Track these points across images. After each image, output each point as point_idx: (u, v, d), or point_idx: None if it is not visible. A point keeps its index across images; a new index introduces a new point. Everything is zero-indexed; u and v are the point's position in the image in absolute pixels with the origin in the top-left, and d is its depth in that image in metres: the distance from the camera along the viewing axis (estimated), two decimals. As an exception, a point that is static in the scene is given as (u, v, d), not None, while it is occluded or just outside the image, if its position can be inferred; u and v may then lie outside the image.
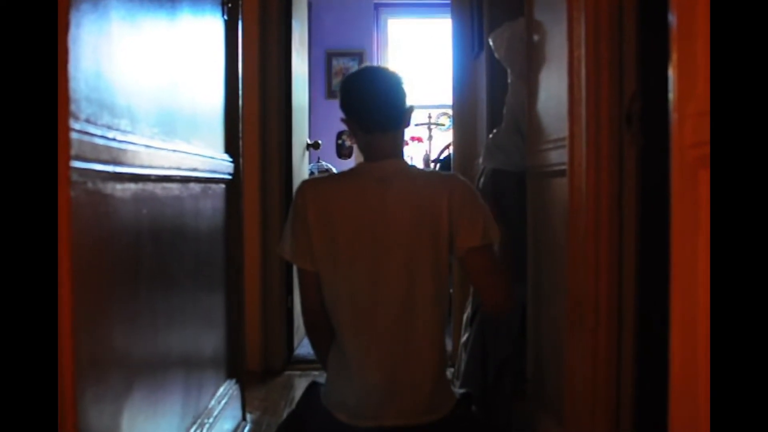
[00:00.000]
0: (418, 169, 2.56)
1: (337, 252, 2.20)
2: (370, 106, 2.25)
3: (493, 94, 3.76)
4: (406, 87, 2.28)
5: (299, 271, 2.32)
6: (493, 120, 3.61)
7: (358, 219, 2.20)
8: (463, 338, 3.39)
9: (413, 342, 2.18)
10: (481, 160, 3.44)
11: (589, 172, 2.20)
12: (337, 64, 7.54)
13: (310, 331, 2.41)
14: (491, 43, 3.37)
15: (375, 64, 2.29)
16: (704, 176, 1.14)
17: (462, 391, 2.43)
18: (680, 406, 1.23)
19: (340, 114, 2.31)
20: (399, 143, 2.31)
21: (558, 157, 2.44)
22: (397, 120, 2.27)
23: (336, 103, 2.33)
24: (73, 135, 1.36)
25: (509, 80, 3.30)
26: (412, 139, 7.23)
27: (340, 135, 5.81)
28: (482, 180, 3.28)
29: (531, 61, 2.85)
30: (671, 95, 1.23)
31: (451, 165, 4.72)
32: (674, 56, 1.23)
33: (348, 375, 2.20)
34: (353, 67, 2.29)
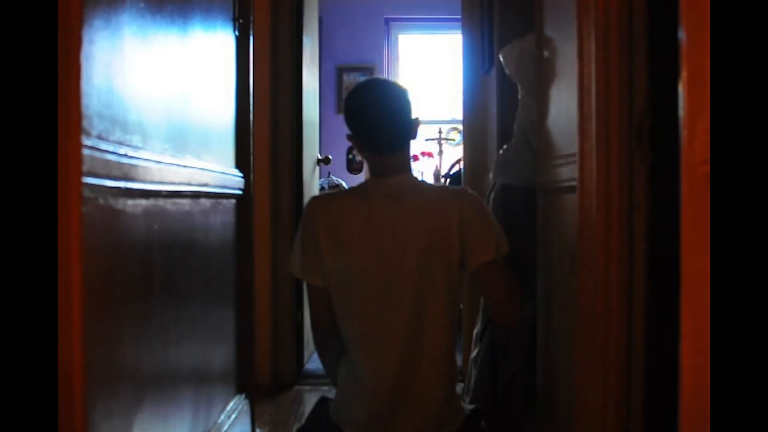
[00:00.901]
0: (428, 184, 2.56)
1: (347, 268, 2.20)
2: (377, 127, 2.24)
3: (503, 110, 3.77)
4: (412, 98, 2.28)
5: (309, 287, 2.32)
6: (504, 135, 3.61)
7: (368, 235, 2.20)
8: (473, 353, 3.39)
9: (423, 357, 2.18)
10: (491, 175, 3.44)
11: (599, 189, 2.19)
12: (348, 79, 7.56)
13: (320, 347, 2.42)
14: (501, 59, 3.38)
15: (378, 76, 2.28)
16: (715, 193, 1.14)
17: (472, 406, 2.43)
18: (690, 423, 1.23)
19: (347, 130, 2.31)
20: (407, 159, 2.32)
21: (568, 173, 2.44)
22: (404, 139, 2.27)
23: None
24: (85, 151, 1.37)
25: (519, 96, 3.31)
26: (423, 154, 7.24)
27: (350, 150, 5.82)
28: (492, 195, 3.28)
29: (541, 77, 2.85)
30: (681, 111, 1.23)
31: (462, 180, 4.72)
32: (684, 73, 1.23)
33: (357, 390, 2.20)
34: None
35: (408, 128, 2.27)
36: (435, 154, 7.26)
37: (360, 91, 2.32)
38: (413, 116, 2.28)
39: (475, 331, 3.43)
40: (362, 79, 2.52)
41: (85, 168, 1.36)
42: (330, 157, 5.64)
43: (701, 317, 1.15)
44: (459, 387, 3.30)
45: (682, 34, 1.24)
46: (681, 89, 1.24)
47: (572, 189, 2.37)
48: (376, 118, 2.24)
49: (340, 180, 6.41)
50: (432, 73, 7.92)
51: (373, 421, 2.17)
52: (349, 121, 2.28)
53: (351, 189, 2.46)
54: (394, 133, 2.25)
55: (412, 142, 2.32)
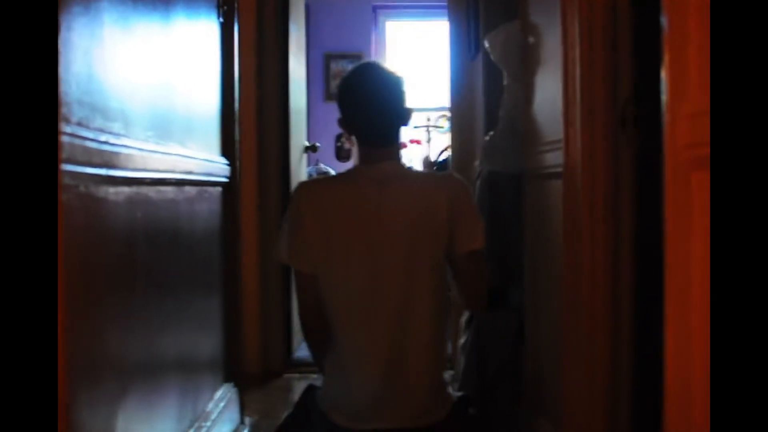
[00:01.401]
0: (415, 170, 2.54)
1: (334, 254, 2.19)
2: (369, 122, 2.22)
3: (489, 96, 3.75)
4: (406, 88, 2.26)
5: (296, 273, 2.31)
6: (490, 122, 3.60)
7: (355, 221, 2.19)
8: (461, 341, 3.39)
9: (411, 344, 2.17)
10: (478, 162, 3.44)
11: (585, 174, 2.19)
12: (336, 66, 7.53)
13: (308, 334, 2.41)
14: (487, 45, 3.37)
15: (374, 60, 2.25)
16: (697, 177, 1.13)
17: (460, 393, 2.42)
18: (675, 409, 1.23)
19: (338, 116, 2.29)
20: (397, 146, 2.30)
21: (554, 159, 2.44)
22: (396, 132, 2.26)
23: (335, 106, 2.31)
24: (65, 138, 1.36)
25: (505, 82, 3.30)
26: (411, 141, 7.22)
27: (338, 137, 5.81)
28: (479, 182, 3.27)
29: (526, 63, 2.85)
30: (664, 97, 1.23)
31: (449, 167, 4.71)
32: (667, 58, 1.23)
33: (344, 377, 2.20)
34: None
35: (401, 120, 2.26)
36: (424, 141, 7.25)
37: (354, 80, 2.28)
38: (407, 106, 2.26)
39: (463, 319, 3.43)
40: (350, 66, 2.49)
41: (64, 155, 1.35)
42: (317, 144, 5.62)
43: (685, 300, 1.15)
44: (448, 374, 3.31)
45: (664, 20, 1.23)
46: (663, 74, 1.23)
47: (558, 175, 2.37)
48: (369, 112, 2.22)
49: (328, 167, 6.40)
50: (420, 60, 7.91)
51: (360, 408, 2.17)
52: (342, 110, 2.26)
53: (339, 174, 2.45)
54: (387, 127, 2.23)
55: (403, 129, 2.30)
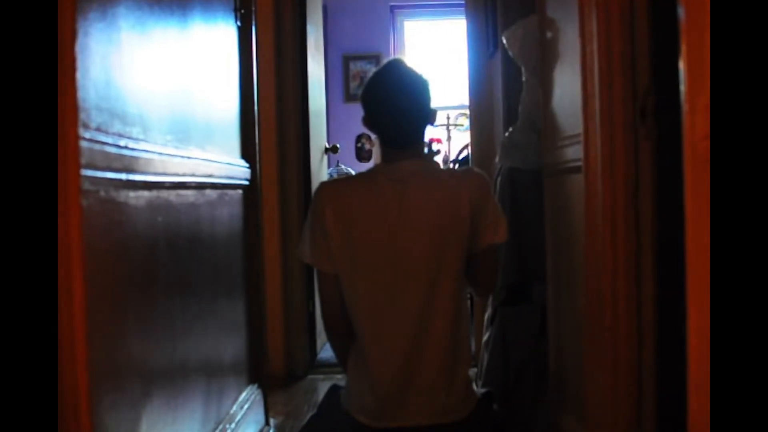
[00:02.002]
0: (435, 167, 2.53)
1: (356, 253, 2.19)
2: (394, 124, 2.22)
3: (508, 93, 3.75)
4: (432, 89, 2.26)
5: (318, 273, 2.31)
6: (510, 118, 3.60)
7: (376, 220, 2.19)
8: (485, 337, 3.38)
9: (432, 341, 2.17)
10: (497, 158, 3.43)
11: (605, 168, 2.18)
12: (355, 67, 7.55)
13: (331, 334, 2.41)
14: (504, 41, 3.36)
15: (400, 60, 2.24)
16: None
17: (484, 390, 2.42)
18: (699, 403, 1.22)
19: (359, 117, 2.29)
20: (421, 147, 2.30)
21: (573, 153, 2.42)
22: (420, 133, 2.27)
23: (355, 107, 2.31)
24: (84, 144, 1.37)
25: (524, 78, 3.29)
26: (431, 140, 7.22)
27: (359, 138, 5.82)
28: (500, 179, 3.27)
29: (544, 58, 2.84)
30: (682, 88, 1.22)
31: (470, 164, 4.71)
32: (684, 49, 1.22)
33: (367, 376, 2.20)
34: (370, 70, 2.31)
35: (425, 121, 2.26)
36: (444, 140, 7.24)
37: (380, 81, 2.27)
38: (431, 106, 2.27)
39: (486, 315, 3.42)
40: (369, 67, 2.50)
41: (84, 160, 1.36)
42: (338, 145, 5.63)
43: (706, 294, 1.14)
44: (472, 371, 3.30)
45: (681, 11, 1.22)
46: (681, 66, 1.23)
47: (578, 169, 2.36)
48: (394, 115, 2.22)
49: (348, 168, 6.40)
50: (438, 59, 7.90)
51: (383, 407, 2.17)
52: (366, 110, 2.27)
53: (359, 174, 2.45)
54: (411, 129, 2.24)
55: (427, 129, 2.31)
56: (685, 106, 1.21)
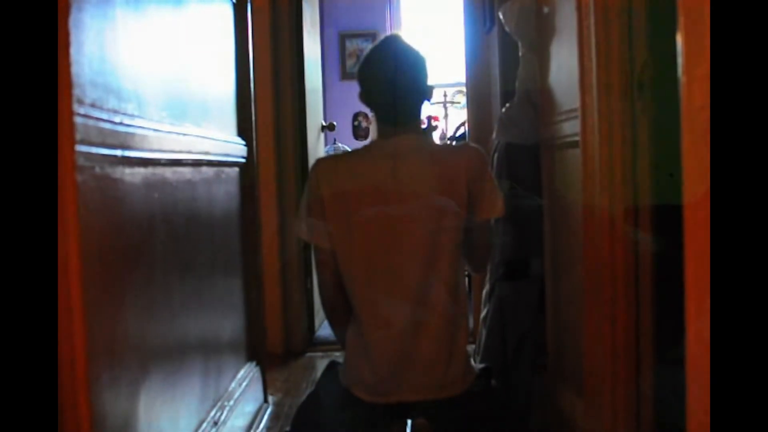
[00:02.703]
0: (432, 142, 2.52)
1: (352, 228, 2.19)
2: (390, 102, 2.22)
3: (505, 69, 3.74)
4: (428, 66, 2.25)
5: (315, 249, 2.31)
6: (507, 94, 3.59)
7: (372, 195, 2.18)
8: (483, 313, 3.38)
9: (430, 315, 2.17)
10: (494, 135, 3.42)
11: (603, 142, 2.17)
12: (351, 45, 7.52)
13: (328, 310, 2.41)
14: (501, 16, 3.35)
15: (397, 35, 2.21)
16: (713, 139, 1.12)
17: (482, 365, 2.42)
18: (698, 373, 1.22)
19: (356, 95, 2.28)
20: (418, 123, 2.30)
21: (571, 128, 2.42)
22: (417, 112, 2.26)
23: (351, 84, 2.30)
24: (78, 119, 1.36)
25: (520, 53, 3.28)
26: (428, 118, 7.21)
27: (356, 116, 5.81)
28: (497, 155, 3.26)
29: (541, 32, 2.83)
30: (680, 58, 1.22)
31: (467, 141, 4.70)
32: (681, 20, 1.21)
33: (365, 352, 2.20)
34: (367, 48, 2.29)
35: (421, 97, 2.26)
36: (441, 117, 7.23)
37: (376, 57, 2.26)
38: (428, 83, 2.26)
39: (484, 291, 3.43)
40: (365, 45, 2.49)
41: (78, 136, 1.35)
42: (335, 123, 5.62)
43: (705, 263, 1.14)
44: (470, 348, 3.31)
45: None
46: (679, 36, 1.22)
47: (575, 144, 2.36)
48: (390, 91, 2.21)
49: (345, 146, 6.39)
50: (435, 36, 7.87)
51: (381, 382, 2.17)
52: (362, 87, 2.26)
53: (356, 150, 2.44)
54: (408, 106, 2.23)
55: (424, 105, 2.30)
56: (682, 77, 1.21)
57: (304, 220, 2.26)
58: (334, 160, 2.49)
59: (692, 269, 1.19)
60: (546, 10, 2.75)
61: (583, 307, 2.36)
